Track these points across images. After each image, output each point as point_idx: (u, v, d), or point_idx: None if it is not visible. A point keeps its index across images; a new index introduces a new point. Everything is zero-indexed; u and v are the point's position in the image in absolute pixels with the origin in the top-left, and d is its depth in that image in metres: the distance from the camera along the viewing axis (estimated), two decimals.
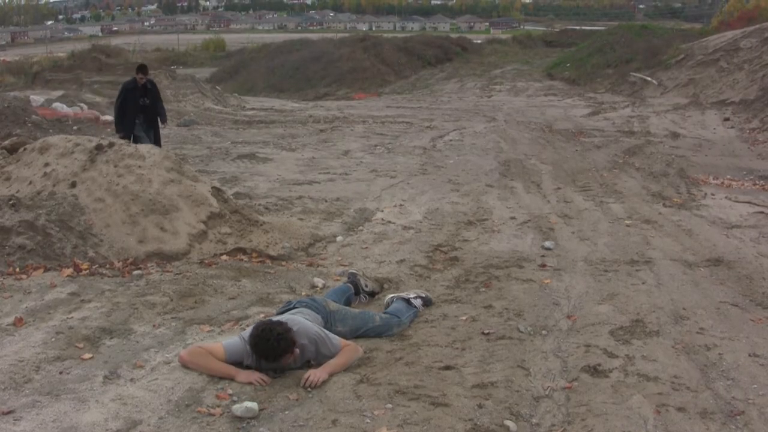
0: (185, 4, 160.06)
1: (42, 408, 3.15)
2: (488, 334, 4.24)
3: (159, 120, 10.03)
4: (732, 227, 6.90)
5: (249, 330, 3.68)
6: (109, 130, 12.55)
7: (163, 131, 10.69)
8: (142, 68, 9.85)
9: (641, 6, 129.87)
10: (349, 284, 4.84)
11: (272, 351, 3.49)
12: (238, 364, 3.62)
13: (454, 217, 7.38)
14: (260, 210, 7.29)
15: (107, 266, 5.18)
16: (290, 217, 7.19)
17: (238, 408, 3.20)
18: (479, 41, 43.86)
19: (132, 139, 9.47)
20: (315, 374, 3.52)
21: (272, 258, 5.76)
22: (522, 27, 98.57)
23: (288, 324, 3.60)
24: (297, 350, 3.60)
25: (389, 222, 7.19)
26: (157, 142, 9.96)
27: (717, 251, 6.06)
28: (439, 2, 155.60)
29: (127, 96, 9.65)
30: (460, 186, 8.93)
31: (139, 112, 9.68)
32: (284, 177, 9.37)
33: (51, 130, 10.77)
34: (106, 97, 16.05)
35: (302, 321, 3.76)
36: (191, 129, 14.04)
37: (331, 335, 3.82)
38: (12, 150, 7.25)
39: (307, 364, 3.73)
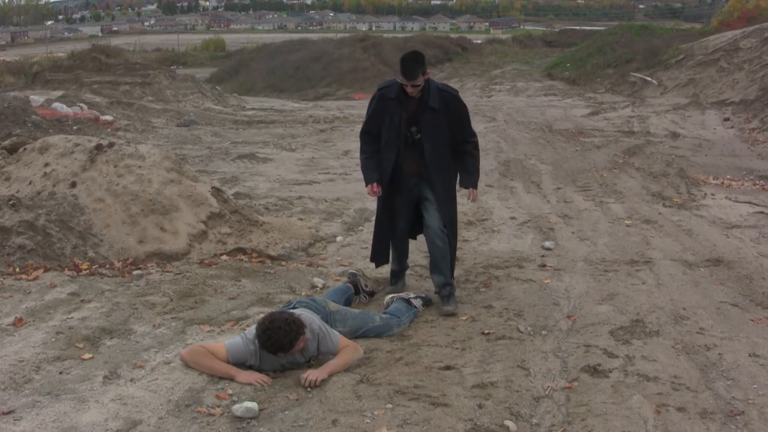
0: (185, 4, 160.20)
1: (42, 408, 3.15)
2: (488, 334, 4.24)
3: (441, 176, 4.74)
4: (732, 227, 6.90)
5: (251, 329, 3.68)
6: (109, 130, 12.55)
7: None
8: (407, 65, 4.43)
9: (641, 6, 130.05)
10: (349, 284, 4.85)
11: (285, 339, 3.49)
12: (241, 364, 3.62)
13: None
14: (260, 210, 7.29)
15: (107, 266, 5.18)
16: (290, 217, 7.19)
17: (238, 408, 3.20)
18: (479, 41, 43.88)
19: (387, 208, 4.78)
20: (314, 373, 3.53)
21: (272, 258, 5.76)
22: (522, 27, 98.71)
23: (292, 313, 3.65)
24: (307, 334, 3.61)
25: None
26: (449, 223, 4.72)
27: (717, 251, 6.05)
28: (439, 2, 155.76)
29: (383, 111, 4.66)
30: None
31: (401, 149, 4.65)
32: (284, 177, 9.37)
33: (51, 130, 10.75)
34: (106, 97, 16.04)
35: (305, 313, 3.78)
36: (191, 129, 14.03)
37: (332, 332, 3.83)
38: (12, 150, 7.23)
39: (308, 364, 3.74)
